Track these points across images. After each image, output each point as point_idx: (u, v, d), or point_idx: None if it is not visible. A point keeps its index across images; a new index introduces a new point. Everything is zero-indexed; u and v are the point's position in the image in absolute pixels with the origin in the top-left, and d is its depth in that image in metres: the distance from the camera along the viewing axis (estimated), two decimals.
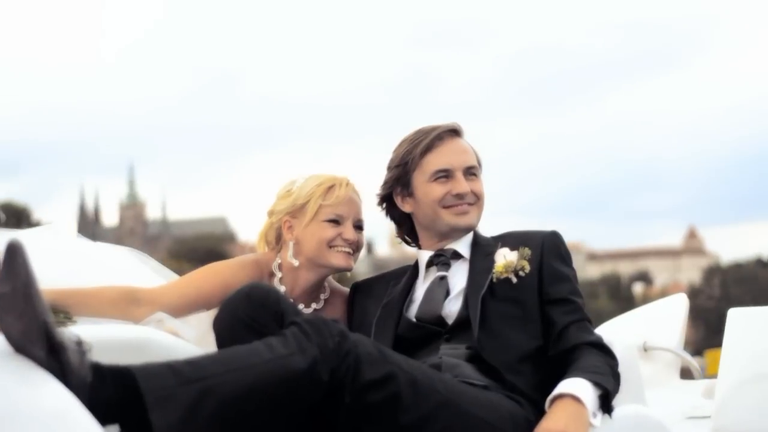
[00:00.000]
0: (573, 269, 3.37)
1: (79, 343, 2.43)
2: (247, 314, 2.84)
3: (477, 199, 3.44)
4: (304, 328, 2.70)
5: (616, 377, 3.12)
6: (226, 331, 2.87)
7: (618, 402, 3.11)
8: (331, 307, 3.59)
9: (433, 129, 3.46)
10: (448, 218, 3.41)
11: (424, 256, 3.47)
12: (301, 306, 3.50)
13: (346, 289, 3.64)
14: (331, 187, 3.50)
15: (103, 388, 2.42)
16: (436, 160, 3.42)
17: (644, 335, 5.06)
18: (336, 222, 3.48)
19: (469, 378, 3.10)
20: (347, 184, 3.54)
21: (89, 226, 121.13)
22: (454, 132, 3.47)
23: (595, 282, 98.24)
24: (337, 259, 3.47)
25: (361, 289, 3.59)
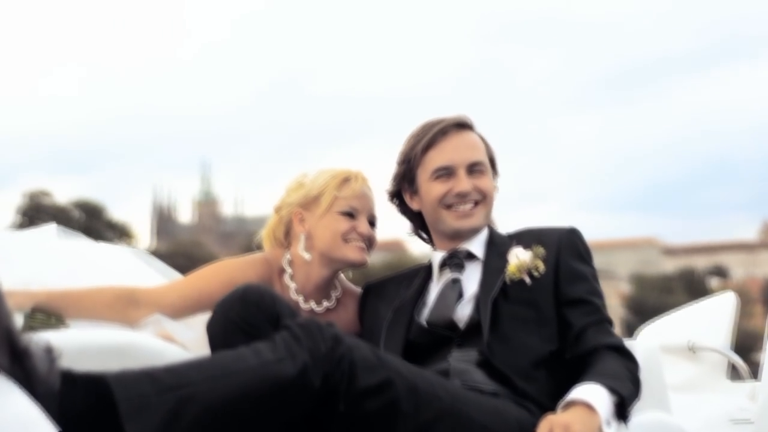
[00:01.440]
0: (592, 268, 3.20)
1: (48, 350, 2.30)
2: (241, 317, 2.73)
3: (483, 197, 3.26)
4: (294, 332, 2.56)
5: (635, 382, 2.95)
6: (219, 334, 2.75)
7: (639, 409, 2.95)
8: (343, 307, 3.46)
9: (438, 123, 3.30)
10: (450, 220, 3.26)
11: (437, 257, 3.32)
12: (312, 304, 3.38)
13: (359, 290, 3.51)
14: (346, 179, 3.38)
15: (74, 396, 2.30)
16: (437, 157, 3.27)
17: (691, 335, 4.88)
18: (350, 215, 3.35)
19: (478, 384, 2.95)
20: (362, 177, 3.41)
21: (164, 223, 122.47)
22: (460, 126, 3.30)
23: (671, 277, 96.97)
24: (351, 252, 3.34)
25: (373, 290, 3.45)
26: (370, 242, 3.39)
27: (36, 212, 71.76)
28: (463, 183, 3.23)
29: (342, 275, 3.52)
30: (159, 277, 3.44)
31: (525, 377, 2.98)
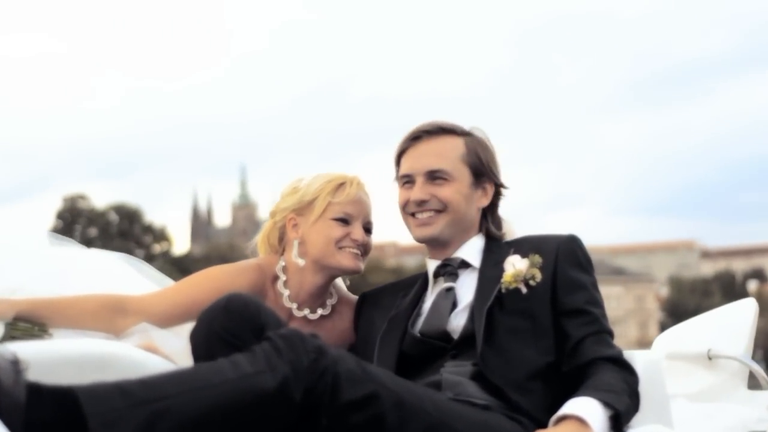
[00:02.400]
0: (592, 276, 3.08)
1: (15, 362, 2.23)
2: (224, 327, 2.63)
3: (444, 206, 3.15)
4: (276, 343, 2.48)
5: (633, 396, 2.85)
6: (201, 345, 2.65)
7: (638, 422, 2.86)
8: (339, 315, 3.37)
9: (412, 130, 3.23)
10: (412, 228, 3.20)
11: (431, 265, 3.23)
12: (306, 311, 3.30)
13: (356, 298, 3.42)
14: (341, 185, 3.29)
15: (41, 409, 2.22)
16: (404, 165, 3.23)
17: (709, 342, 4.76)
18: (345, 221, 3.27)
19: (471, 397, 2.86)
20: (358, 183, 3.33)
21: (202, 226, 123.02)
22: (430, 132, 3.21)
23: (709, 280, 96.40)
24: (345, 259, 3.25)
25: (369, 300, 3.35)
26: (365, 249, 3.30)
27: (74, 216, 72.22)
28: (415, 191, 3.15)
29: (339, 282, 3.44)
30: (151, 284, 3.34)
31: (521, 389, 2.88)
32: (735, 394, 4.67)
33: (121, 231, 71.87)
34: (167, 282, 3.41)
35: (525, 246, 3.11)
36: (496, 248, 3.17)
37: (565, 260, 3.05)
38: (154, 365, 2.65)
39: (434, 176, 3.16)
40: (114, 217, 73.40)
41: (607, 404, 2.71)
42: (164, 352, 2.89)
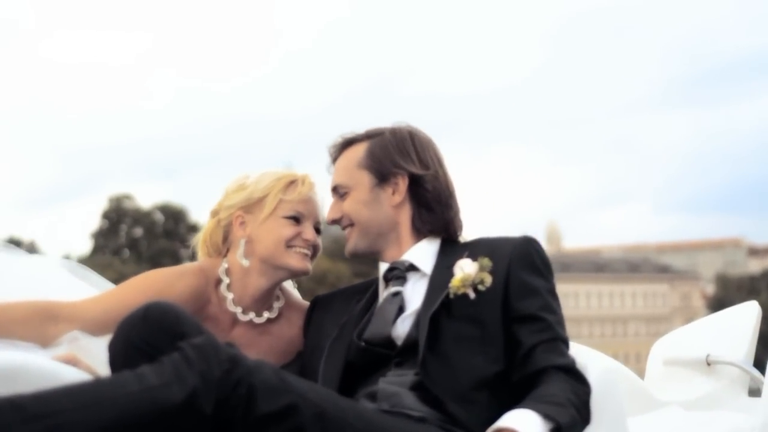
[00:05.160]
0: (549, 281, 2.91)
1: None
2: (142, 338, 2.49)
3: (350, 219, 3.05)
4: (186, 353, 2.35)
5: (581, 408, 2.69)
6: (119, 356, 2.52)
7: None
8: (286, 320, 3.21)
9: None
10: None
11: (382, 268, 3.07)
12: (251, 315, 3.14)
13: (306, 303, 3.26)
14: (292, 183, 3.15)
15: None
16: None
17: (709, 347, 4.59)
18: (296, 220, 3.12)
19: (406, 408, 2.71)
20: (309, 181, 3.18)
21: None
22: (338, 149, 3.14)
23: (757, 277, 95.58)
24: (294, 260, 3.10)
25: (320, 305, 3.20)
26: (314, 250, 3.16)
27: (119, 216, 72.71)
28: (328, 212, 3.13)
29: (289, 286, 3.31)
30: (94, 291, 3.20)
31: (462, 400, 2.73)
32: (734, 401, 4.50)
33: (167, 231, 72.21)
34: (110, 288, 3.26)
35: (479, 249, 2.95)
36: (451, 251, 3.00)
37: (519, 264, 2.89)
38: (69, 378, 2.49)
39: (339, 193, 3.08)
40: (159, 217, 73.70)
41: (548, 417, 2.55)
42: (86, 363, 2.74)
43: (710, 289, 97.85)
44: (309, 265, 3.13)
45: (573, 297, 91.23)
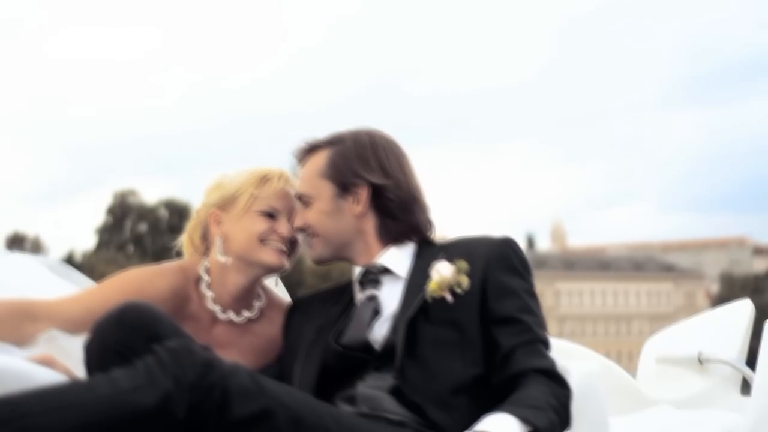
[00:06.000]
0: (527, 282, 2.87)
1: None
2: (118, 339, 2.48)
3: (314, 231, 3.01)
4: (160, 357, 2.33)
5: (560, 411, 2.65)
6: (94, 359, 2.51)
7: None
8: (268, 320, 3.17)
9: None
10: None
11: (356, 272, 3.03)
12: (231, 314, 3.11)
13: (288, 302, 3.23)
14: (266, 178, 3.11)
15: None
16: None
17: (701, 346, 4.55)
18: (270, 215, 3.08)
19: (385, 412, 2.68)
20: (285, 177, 3.14)
21: None
22: (304, 153, 3.09)
23: (761, 276, 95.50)
24: (268, 255, 3.06)
25: (299, 307, 3.14)
26: (292, 246, 3.11)
27: (124, 211, 72.74)
28: (294, 221, 3.08)
29: (272, 285, 3.26)
30: (75, 290, 3.15)
31: (441, 405, 2.69)
32: (726, 400, 4.47)
33: (171, 226, 72.17)
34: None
35: (456, 250, 2.90)
36: (427, 253, 2.95)
37: (497, 265, 2.84)
38: (44, 379, 2.45)
39: (303, 201, 3.04)
40: (164, 213, 73.70)
41: (526, 420, 2.51)
42: (63, 364, 2.70)
43: (715, 287, 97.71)
44: (285, 261, 3.09)
45: (578, 295, 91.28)
